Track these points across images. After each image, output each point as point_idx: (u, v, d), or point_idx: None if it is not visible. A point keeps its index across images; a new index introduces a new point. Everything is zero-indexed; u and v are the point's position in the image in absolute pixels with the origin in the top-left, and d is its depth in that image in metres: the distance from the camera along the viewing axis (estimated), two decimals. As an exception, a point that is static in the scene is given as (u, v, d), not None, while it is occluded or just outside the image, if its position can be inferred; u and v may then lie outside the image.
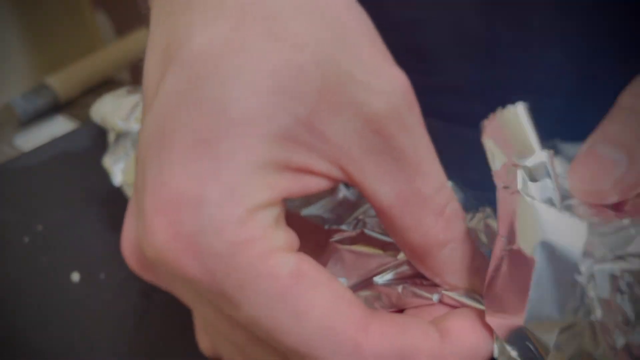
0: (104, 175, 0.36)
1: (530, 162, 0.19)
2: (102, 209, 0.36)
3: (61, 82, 0.54)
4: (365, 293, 0.23)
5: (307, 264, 0.19)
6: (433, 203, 0.20)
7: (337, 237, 0.24)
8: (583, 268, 0.18)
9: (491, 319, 0.20)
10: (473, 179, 0.27)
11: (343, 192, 0.26)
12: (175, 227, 0.17)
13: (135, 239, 0.21)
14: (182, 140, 0.18)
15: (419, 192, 0.20)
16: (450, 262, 0.21)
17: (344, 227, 0.25)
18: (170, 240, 0.18)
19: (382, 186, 0.20)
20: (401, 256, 0.23)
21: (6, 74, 0.61)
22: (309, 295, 0.18)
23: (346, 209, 0.26)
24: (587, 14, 0.31)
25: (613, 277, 0.18)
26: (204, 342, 0.23)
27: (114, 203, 0.31)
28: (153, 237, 0.18)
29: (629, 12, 0.28)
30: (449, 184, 0.26)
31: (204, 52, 0.18)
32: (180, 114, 0.18)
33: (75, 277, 0.32)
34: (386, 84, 0.19)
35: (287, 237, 0.19)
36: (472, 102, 0.38)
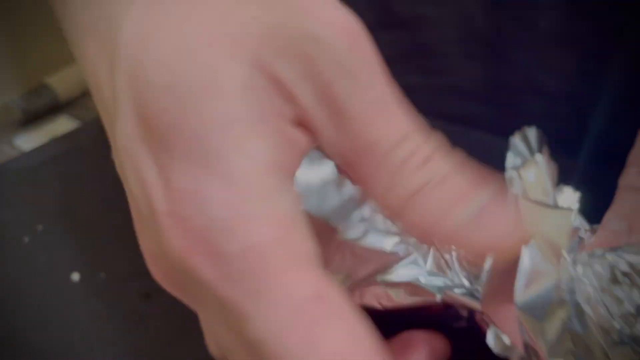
0: (104, 175, 0.36)
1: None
2: (102, 209, 0.36)
3: (61, 82, 0.54)
4: (369, 290, 0.23)
5: (328, 287, 0.17)
6: (393, 156, 0.19)
7: (342, 233, 0.24)
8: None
9: (486, 307, 0.20)
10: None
11: (349, 190, 0.26)
12: (186, 224, 0.17)
13: (155, 249, 0.20)
14: (183, 131, 0.17)
15: (371, 146, 0.18)
16: (429, 209, 0.19)
17: (349, 223, 0.25)
18: (184, 239, 0.17)
19: (337, 139, 0.18)
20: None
21: (6, 74, 0.61)
22: (325, 325, 0.17)
23: (352, 206, 0.26)
24: (595, 15, 0.31)
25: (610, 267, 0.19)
26: (213, 347, 0.22)
27: (114, 203, 0.31)
28: (169, 238, 0.17)
29: (638, 13, 0.28)
30: None
31: (137, 35, 0.18)
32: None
33: (75, 277, 0.32)
34: (323, 23, 0.18)
35: (309, 243, 0.18)
36: (477, 103, 0.38)
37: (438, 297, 0.22)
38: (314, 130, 0.19)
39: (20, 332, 0.29)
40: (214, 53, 0.18)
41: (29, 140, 0.50)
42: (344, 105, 0.18)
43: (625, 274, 0.18)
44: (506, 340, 0.19)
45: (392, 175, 0.19)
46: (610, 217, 0.21)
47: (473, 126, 0.35)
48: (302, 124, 0.19)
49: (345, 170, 0.20)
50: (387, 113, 0.19)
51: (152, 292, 0.30)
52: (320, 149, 0.20)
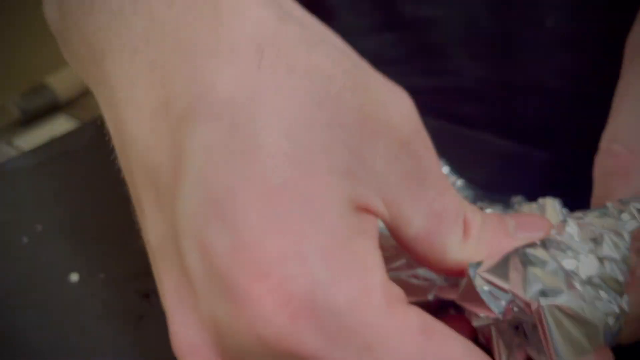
0: (104, 175, 0.36)
1: None
2: (102, 209, 0.36)
3: (61, 82, 0.54)
4: None
5: (427, 316, 0.17)
6: (461, 218, 0.20)
7: None
8: None
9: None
10: (477, 180, 0.27)
11: None
12: (289, 293, 0.15)
13: (200, 334, 0.18)
14: (251, 195, 0.16)
15: (448, 210, 0.19)
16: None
17: None
18: (287, 311, 0.15)
19: (415, 212, 0.19)
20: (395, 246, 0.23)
21: (6, 74, 0.61)
22: (445, 350, 0.16)
23: None
24: (600, 15, 0.31)
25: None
26: None
27: (114, 203, 0.31)
28: (265, 314, 0.15)
29: None
30: (460, 181, 0.26)
31: (234, 99, 0.17)
32: (235, 168, 0.16)
33: (74, 277, 0.32)
34: (404, 104, 0.19)
35: (397, 287, 0.17)
36: (482, 103, 0.38)
37: (430, 298, 0.22)
38: (390, 209, 0.19)
39: (20, 332, 0.29)
40: None
41: (28, 140, 0.50)
42: (428, 176, 0.19)
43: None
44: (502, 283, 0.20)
45: (463, 234, 0.20)
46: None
47: (478, 127, 0.36)
48: (369, 209, 0.18)
49: (411, 246, 0.20)
50: (447, 180, 0.20)
51: (152, 292, 0.30)
52: None
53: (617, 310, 0.18)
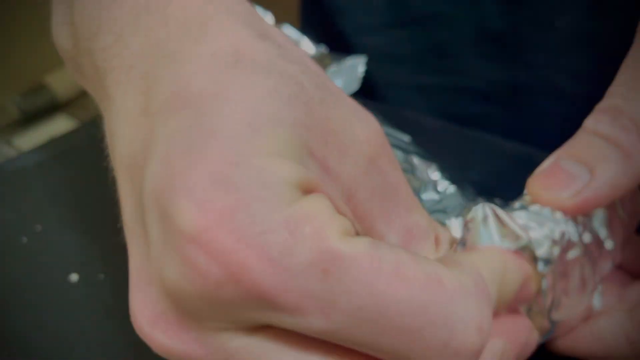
0: (104, 175, 0.36)
1: None
2: (101, 210, 0.36)
3: (60, 82, 0.54)
4: None
5: (381, 243, 0.17)
6: (432, 233, 0.21)
7: None
8: None
9: None
10: (474, 179, 0.26)
11: None
12: (230, 227, 0.16)
13: (158, 307, 0.18)
14: (206, 168, 0.16)
15: (419, 226, 0.20)
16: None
17: None
18: (231, 243, 0.15)
19: (388, 227, 0.19)
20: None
21: (4, 73, 0.61)
22: (402, 273, 0.16)
23: None
24: (611, 15, 0.31)
25: None
26: None
27: (114, 203, 0.31)
28: (211, 248, 0.16)
29: None
30: (452, 187, 0.26)
31: (204, 92, 0.18)
32: (194, 147, 0.17)
33: (74, 277, 0.32)
34: (371, 123, 0.20)
35: (347, 221, 0.17)
36: (491, 104, 0.38)
37: None
38: (361, 223, 0.19)
39: (19, 333, 0.29)
40: None
41: (27, 140, 0.50)
42: (397, 192, 0.20)
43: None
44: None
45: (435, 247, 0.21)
46: (564, 157, 0.21)
47: (486, 128, 0.36)
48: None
49: None
50: (414, 196, 0.21)
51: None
52: None
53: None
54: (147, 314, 0.18)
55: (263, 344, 0.17)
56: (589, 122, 0.21)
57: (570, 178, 0.20)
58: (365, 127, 0.20)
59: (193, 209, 0.16)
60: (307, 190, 0.17)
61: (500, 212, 0.20)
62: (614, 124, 0.20)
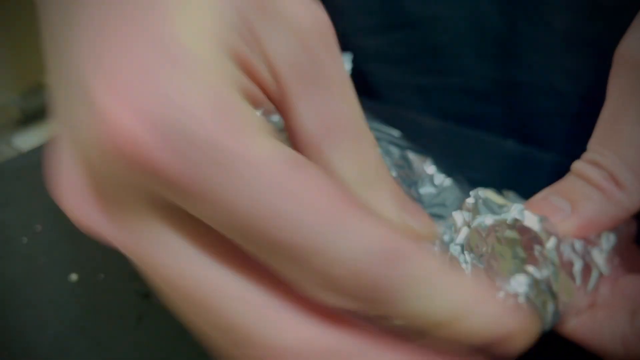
0: (103, 175, 0.36)
1: None
2: (101, 209, 0.36)
3: (60, 82, 0.54)
4: None
5: (297, 153, 0.17)
6: (358, 129, 0.20)
7: None
8: None
9: None
10: (473, 179, 0.26)
11: None
12: (137, 106, 0.16)
13: (80, 181, 0.19)
14: (123, 33, 0.17)
15: (344, 117, 0.19)
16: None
17: None
18: (135, 123, 0.16)
19: (309, 110, 0.19)
20: None
21: (4, 73, 0.61)
22: (311, 184, 0.16)
23: None
24: (609, 15, 0.31)
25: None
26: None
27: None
28: (116, 124, 0.16)
29: None
30: (448, 180, 0.26)
31: None
32: (132, 22, 0.17)
33: (74, 277, 0.32)
34: (316, 11, 0.19)
35: (266, 123, 0.17)
36: (489, 104, 0.38)
37: None
38: (283, 98, 0.19)
39: (19, 332, 0.29)
40: None
41: (27, 140, 0.50)
42: (327, 80, 0.19)
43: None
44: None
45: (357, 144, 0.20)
46: (552, 193, 0.23)
47: (483, 127, 0.35)
48: (253, 70, 0.18)
49: (300, 145, 0.19)
50: (354, 91, 0.20)
51: (151, 292, 0.30)
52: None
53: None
54: (71, 190, 0.20)
55: (166, 233, 0.17)
56: (577, 165, 0.23)
57: (555, 210, 0.23)
58: (309, 12, 0.19)
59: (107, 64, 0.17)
60: (233, 54, 0.17)
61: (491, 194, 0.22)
62: (597, 171, 0.22)
